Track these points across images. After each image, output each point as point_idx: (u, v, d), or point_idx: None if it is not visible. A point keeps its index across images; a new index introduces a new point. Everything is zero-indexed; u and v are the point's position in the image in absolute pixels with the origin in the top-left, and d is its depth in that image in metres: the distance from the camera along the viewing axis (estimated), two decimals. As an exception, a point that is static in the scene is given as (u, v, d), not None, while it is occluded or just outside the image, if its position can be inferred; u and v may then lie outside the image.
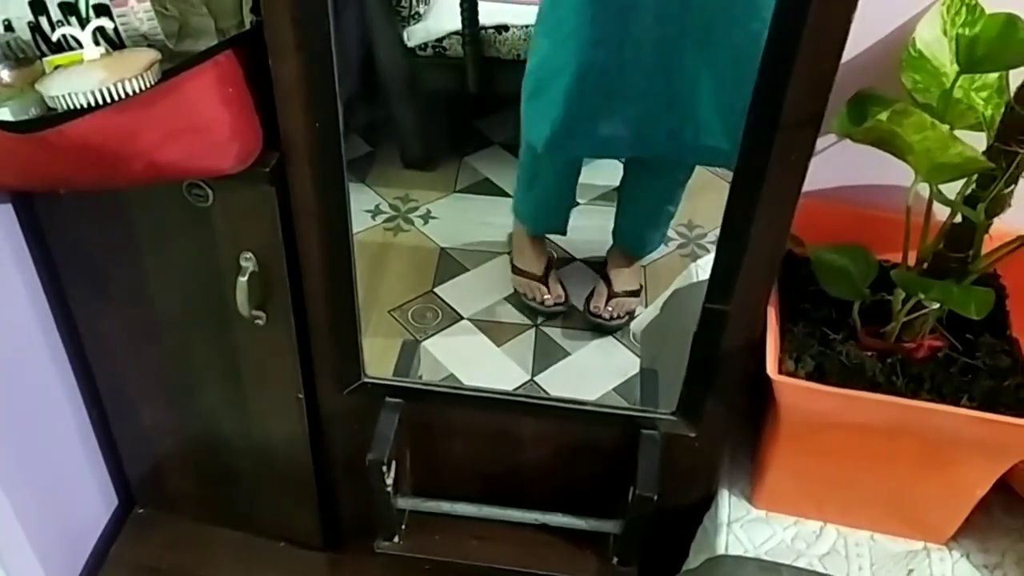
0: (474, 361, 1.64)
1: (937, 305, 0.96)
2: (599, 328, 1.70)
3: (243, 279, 0.99)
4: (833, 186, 1.06)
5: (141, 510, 1.37)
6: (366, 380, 1.10)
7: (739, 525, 1.09)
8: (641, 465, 1.05)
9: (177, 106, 0.82)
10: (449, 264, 1.84)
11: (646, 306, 1.76)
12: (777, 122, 0.78)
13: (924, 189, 0.89)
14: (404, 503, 1.16)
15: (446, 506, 1.17)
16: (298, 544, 1.33)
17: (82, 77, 0.79)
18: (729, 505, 1.11)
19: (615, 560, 1.17)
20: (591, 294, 1.72)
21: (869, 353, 0.99)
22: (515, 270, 1.75)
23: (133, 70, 0.79)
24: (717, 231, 1.90)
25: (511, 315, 1.76)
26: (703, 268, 1.36)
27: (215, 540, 1.34)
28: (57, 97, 0.78)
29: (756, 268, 0.90)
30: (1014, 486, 1.06)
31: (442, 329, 1.71)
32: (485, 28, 1.79)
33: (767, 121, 0.79)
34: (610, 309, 1.69)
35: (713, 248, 1.85)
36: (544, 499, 1.18)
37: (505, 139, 2.05)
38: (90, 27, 0.80)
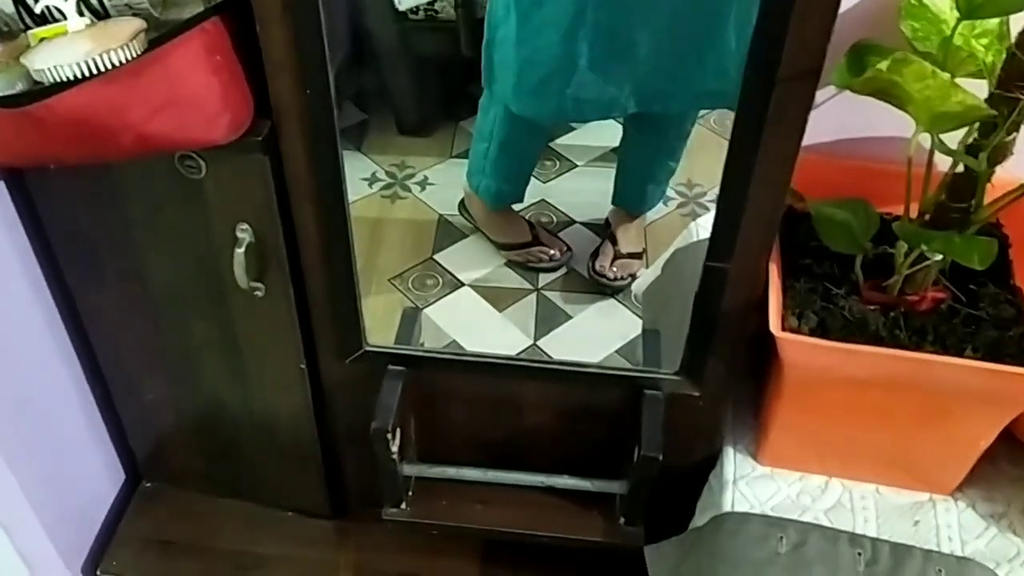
0: (476, 327, 1.64)
1: (940, 257, 0.95)
2: (604, 288, 1.69)
3: (240, 251, 0.98)
4: (832, 139, 1.04)
5: (148, 484, 1.38)
6: (368, 349, 1.10)
7: (744, 482, 1.09)
8: (645, 426, 1.05)
9: (165, 76, 0.80)
10: (448, 230, 1.83)
11: (647, 265, 1.75)
12: (775, 76, 0.77)
13: (925, 140, 0.87)
14: (410, 470, 1.16)
15: (451, 471, 1.17)
16: (305, 513, 1.34)
17: (67, 49, 0.77)
18: (734, 463, 1.11)
19: (622, 520, 1.17)
20: (595, 254, 1.70)
21: (872, 307, 0.98)
22: (501, 247, 1.72)
23: (118, 40, 0.77)
24: (717, 189, 1.90)
25: (511, 280, 1.76)
26: (703, 227, 1.35)
27: (223, 511, 1.35)
28: (42, 70, 0.77)
29: (756, 225, 0.89)
30: (1019, 435, 1.06)
31: (443, 296, 1.70)
32: (477, -11, 1.74)
33: (764, 75, 0.77)
34: (615, 270, 1.68)
35: (713, 207, 1.85)
36: (549, 462, 1.18)
37: (500, 101, 2.02)
38: (72, -3, 0.79)
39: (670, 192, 1.84)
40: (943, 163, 0.90)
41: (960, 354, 0.94)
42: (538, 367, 1.10)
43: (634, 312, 1.68)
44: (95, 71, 0.77)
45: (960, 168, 0.89)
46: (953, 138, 0.87)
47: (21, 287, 1.09)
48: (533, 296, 1.72)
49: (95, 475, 1.32)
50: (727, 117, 1.88)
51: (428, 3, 1.85)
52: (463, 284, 1.73)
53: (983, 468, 1.06)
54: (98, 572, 1.29)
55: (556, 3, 1.33)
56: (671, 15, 1.33)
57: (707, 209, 1.82)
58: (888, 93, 0.84)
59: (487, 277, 1.75)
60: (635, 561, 1.18)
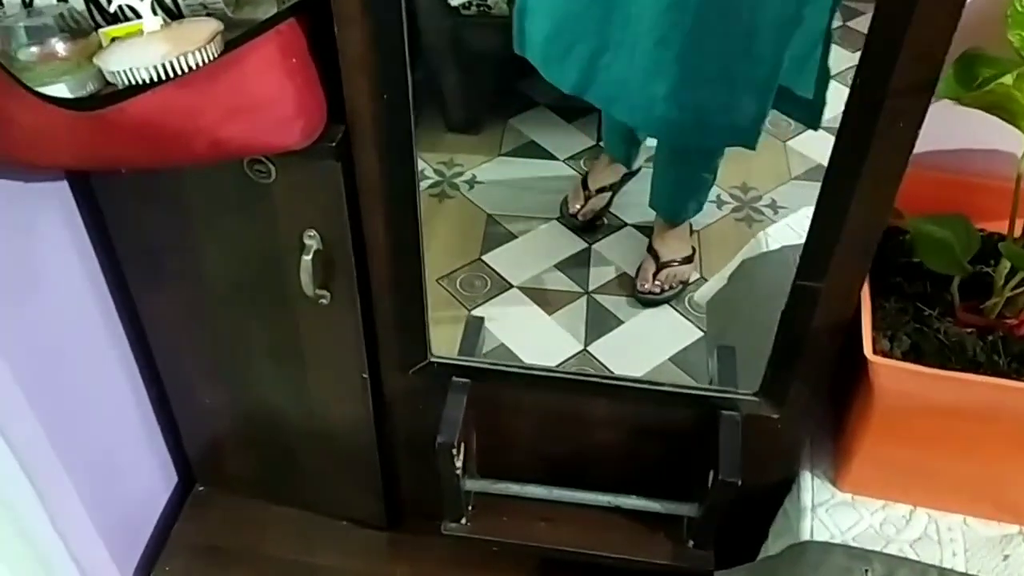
0: (525, 331, 1.60)
1: (1046, 278, 0.90)
2: (652, 304, 1.65)
3: (307, 257, 0.95)
4: (927, 151, 0.99)
5: (201, 488, 1.36)
6: (432, 360, 1.07)
7: (823, 509, 1.04)
8: (723, 449, 1.01)
9: (240, 80, 0.77)
10: (496, 231, 1.80)
11: (700, 272, 1.71)
12: (886, 88, 0.72)
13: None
14: (472, 485, 1.13)
15: (515, 488, 1.13)
16: (360, 523, 1.31)
17: (143, 50, 0.74)
18: (812, 488, 1.06)
19: (690, 543, 1.13)
20: (639, 271, 1.66)
21: (968, 330, 0.93)
22: (581, 179, 1.73)
23: (196, 42, 0.74)
24: (772, 194, 1.84)
25: (561, 283, 1.72)
26: (773, 237, 1.30)
27: (276, 519, 1.32)
28: (117, 72, 0.74)
29: (853, 245, 0.84)
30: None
31: (491, 298, 1.67)
32: (532, -17, 1.72)
33: (875, 88, 0.72)
34: (659, 282, 1.64)
35: (768, 211, 1.79)
36: (613, 480, 1.14)
37: (550, 100, 1.99)
38: (149, -4, 0.76)
39: (724, 196, 1.79)
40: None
41: (1065, 383, 0.88)
42: (608, 383, 1.06)
43: (687, 318, 1.64)
44: (172, 74, 0.74)
45: (1074, 186, 0.83)
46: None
47: (82, 289, 1.07)
48: (584, 300, 1.69)
49: (148, 479, 1.30)
50: (782, 118, 1.84)
51: (481, -1, 1.82)
52: (512, 286, 1.70)
53: (1078, 501, 1.01)
54: (151, 578, 1.27)
55: None
56: (706, 24, 1.26)
57: (762, 214, 1.77)
58: (1001, 107, 0.78)
59: (536, 279, 1.72)
60: (702, 586, 1.14)
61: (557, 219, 1.80)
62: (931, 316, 0.95)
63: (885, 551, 1.00)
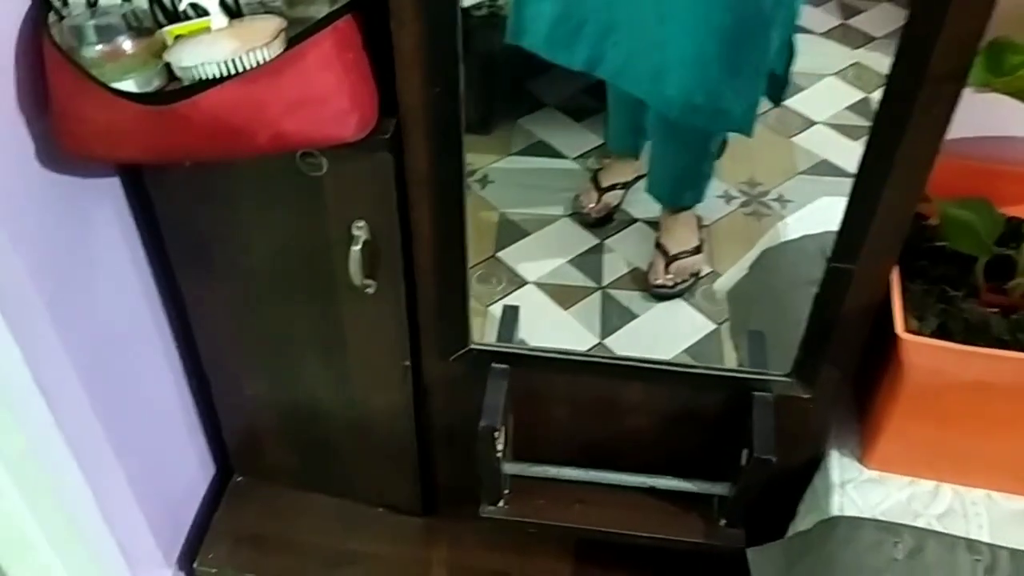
0: (541, 325, 1.63)
1: (1067, 259, 0.94)
2: (666, 298, 1.68)
3: (356, 248, 0.98)
4: (951, 139, 1.03)
5: (240, 478, 1.39)
6: (473, 347, 1.10)
7: (852, 486, 1.08)
8: (757, 428, 1.04)
9: (301, 74, 0.81)
10: (510, 228, 1.82)
11: (712, 265, 1.74)
12: (924, 75, 0.75)
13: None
14: (510, 468, 1.16)
15: (552, 471, 1.16)
16: (397, 510, 1.34)
17: (212, 47, 0.78)
18: (840, 466, 1.10)
19: (723, 522, 1.16)
20: (650, 267, 1.69)
21: (993, 310, 0.97)
22: (592, 176, 1.76)
23: (262, 39, 0.78)
24: (778, 189, 1.87)
25: (575, 278, 1.75)
26: (792, 227, 1.34)
27: (314, 506, 1.36)
28: (190, 68, 0.78)
29: (886, 227, 0.88)
30: None
31: (508, 294, 1.69)
32: (543, -16, 1.75)
33: (913, 75, 0.76)
34: (670, 276, 1.66)
35: (776, 205, 1.82)
36: (648, 462, 1.17)
37: (558, 100, 2.01)
38: (216, -5, 0.79)
39: (732, 192, 1.82)
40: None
41: (1087, 359, 0.92)
42: (644, 367, 1.09)
43: (700, 311, 1.67)
44: (240, 69, 0.77)
45: (1097, 169, 0.87)
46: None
47: (133, 282, 1.10)
48: (598, 295, 1.72)
49: (189, 469, 1.33)
50: (787, 115, 1.87)
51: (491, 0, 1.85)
52: (527, 282, 1.73)
53: (1096, 475, 1.05)
54: (195, 566, 1.30)
55: None
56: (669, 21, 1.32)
57: (770, 208, 1.80)
58: (1030, 93, 0.82)
59: (551, 275, 1.75)
60: (733, 563, 1.17)
61: (569, 216, 1.83)
62: (956, 297, 0.98)
63: (913, 525, 1.03)
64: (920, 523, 1.04)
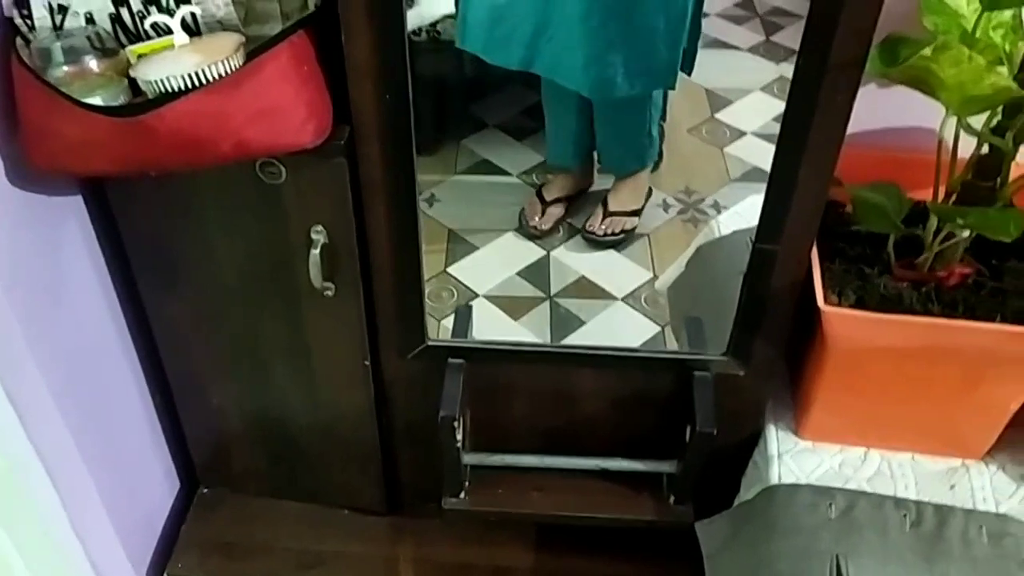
0: (494, 335, 1.69)
1: (966, 234, 1.03)
2: (592, 244, 1.78)
3: (315, 251, 1.04)
4: (859, 131, 1.12)
5: (206, 490, 1.42)
6: (429, 343, 1.16)
7: (789, 456, 1.16)
8: (698, 404, 1.12)
9: (260, 85, 0.87)
10: (459, 244, 1.88)
11: (653, 270, 1.82)
12: (826, 63, 0.84)
13: (952, 124, 0.95)
14: (470, 459, 1.22)
15: (510, 459, 1.23)
16: (362, 510, 1.39)
17: (175, 62, 0.83)
18: (777, 439, 1.18)
19: (671, 499, 1.23)
20: (588, 217, 1.80)
21: (904, 284, 1.06)
22: (537, 193, 1.84)
23: (223, 53, 0.84)
24: (714, 196, 1.97)
25: (524, 289, 1.81)
26: (724, 224, 1.43)
27: (281, 513, 1.39)
28: (154, 81, 0.83)
29: (804, 207, 0.97)
30: (1042, 401, 1.13)
31: (472, 306, 1.76)
32: (479, 10, 1.83)
33: (816, 63, 0.85)
34: (603, 227, 1.77)
35: (712, 212, 1.92)
36: (601, 446, 1.24)
37: (501, 121, 2.09)
38: (178, 15, 0.85)
39: (670, 200, 1.92)
40: (964, 151, 0.98)
41: (991, 322, 1.01)
42: (593, 354, 1.16)
43: (646, 316, 1.75)
44: (203, 81, 0.83)
45: (985, 149, 0.97)
46: (976, 121, 0.95)
47: (98, 298, 1.14)
48: (546, 304, 1.78)
49: (156, 483, 1.36)
50: (719, 127, 1.97)
51: (431, 25, 1.92)
52: (478, 295, 1.79)
53: (1009, 433, 1.14)
54: (165, 575, 1.33)
55: None
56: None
57: (706, 215, 1.90)
58: (922, 80, 0.92)
59: (501, 287, 1.81)
60: (685, 539, 1.24)
61: (515, 230, 1.91)
62: (872, 274, 1.07)
63: (845, 488, 1.12)
64: (851, 486, 1.12)
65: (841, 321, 1.02)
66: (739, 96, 1.97)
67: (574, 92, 1.76)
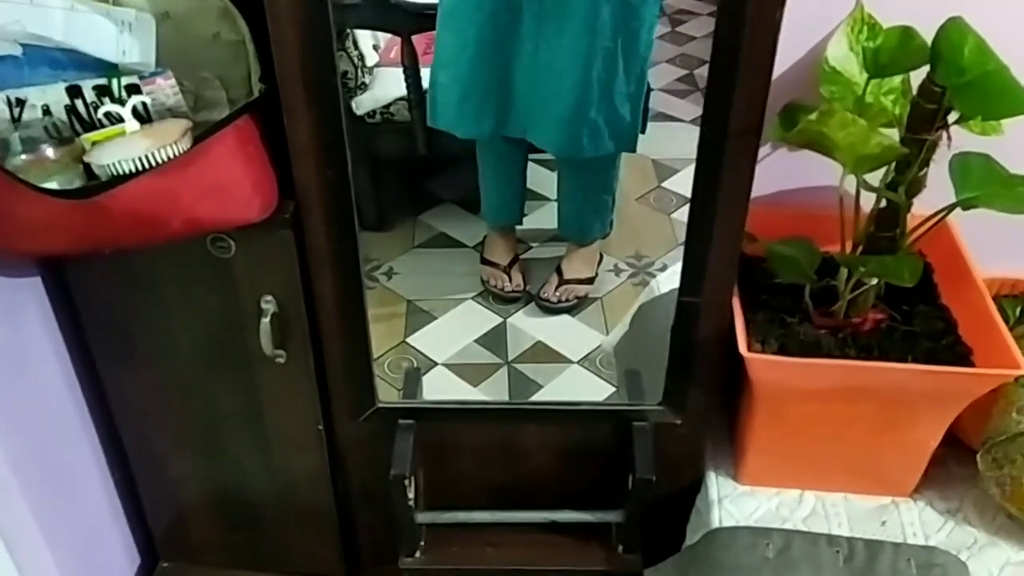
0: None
1: (875, 282, 1.11)
2: (547, 311, 1.86)
3: (265, 320, 1.09)
4: (773, 191, 1.21)
5: (166, 564, 1.44)
6: (380, 406, 1.21)
7: (728, 501, 1.21)
8: (637, 452, 1.17)
9: (208, 166, 0.93)
10: (418, 314, 1.93)
11: (606, 331, 1.89)
12: (725, 133, 0.93)
13: (851, 182, 1.04)
14: (423, 518, 1.26)
15: (463, 516, 1.26)
16: (320, 575, 1.41)
17: (127, 147, 0.90)
18: (717, 485, 1.23)
19: (620, 548, 1.28)
20: (543, 285, 1.88)
21: (823, 331, 1.13)
22: (483, 260, 1.92)
23: (171, 138, 0.90)
24: (663, 259, 2.05)
25: (483, 356, 1.86)
26: (663, 283, 1.51)
27: (240, 583, 1.41)
28: (107, 165, 0.89)
29: (720, 261, 1.04)
30: (962, 438, 1.20)
31: (421, 369, 1.80)
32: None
33: (717, 133, 0.93)
34: (558, 295, 1.86)
35: (660, 275, 2.02)
36: (550, 499, 1.28)
37: (456, 195, 2.17)
38: (129, 104, 0.92)
39: (622, 265, 2.00)
40: (868, 204, 1.07)
41: (902, 363, 1.08)
42: (536, 409, 1.22)
43: (601, 377, 1.80)
44: (153, 164, 0.90)
45: (884, 203, 1.05)
46: (874, 178, 1.04)
47: (54, 371, 1.18)
48: (504, 369, 1.84)
49: (116, 558, 1.38)
50: (665, 195, 2.07)
51: (384, 107, 2.01)
52: (436, 363, 1.84)
53: (935, 471, 1.20)
54: (126, 649, 1.34)
55: (460, 35, 1.58)
56: (552, 65, 1.57)
57: (655, 277, 1.98)
58: (818, 143, 1.00)
59: (460, 355, 1.86)
60: (635, 587, 1.28)
61: (472, 298, 1.97)
62: (793, 323, 1.14)
63: (781, 528, 1.17)
64: (788, 526, 1.18)
65: (763, 367, 1.09)
66: (684, 165, 2.07)
67: (518, 151, 1.87)
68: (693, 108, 2.10)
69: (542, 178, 2.02)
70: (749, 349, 1.10)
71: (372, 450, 1.24)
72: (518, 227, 1.98)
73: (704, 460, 1.25)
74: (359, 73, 1.99)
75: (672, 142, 2.01)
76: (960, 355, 1.10)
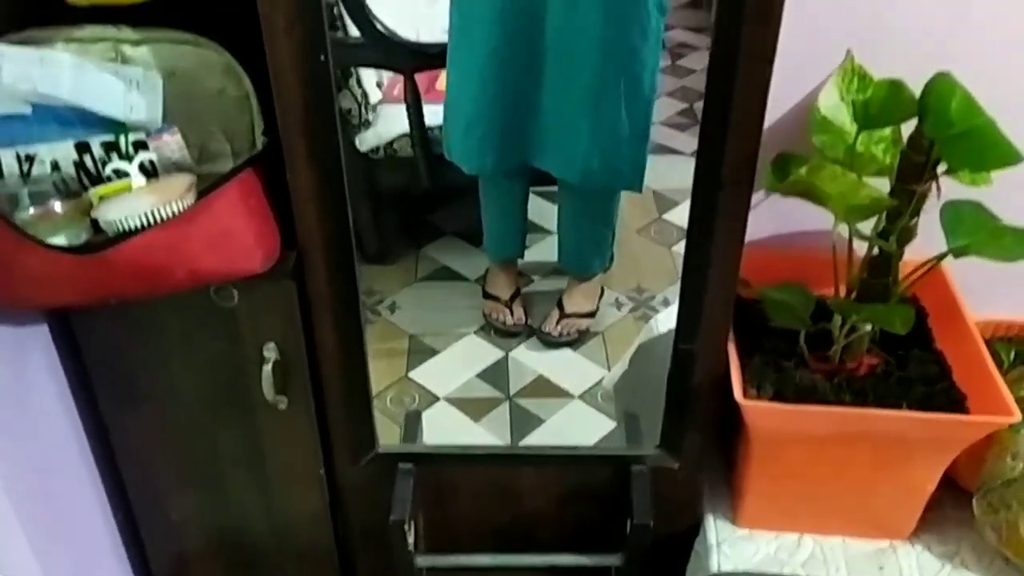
0: (455, 438, 1.74)
1: (869, 327, 1.13)
2: (548, 345, 1.89)
3: (267, 367, 1.11)
4: (769, 235, 1.23)
5: (167, 606, 1.44)
6: (380, 451, 1.22)
7: (727, 545, 1.22)
8: (635, 497, 1.18)
9: (212, 220, 0.95)
10: (420, 349, 1.95)
11: (608, 365, 1.91)
12: (719, 183, 0.95)
13: (844, 229, 1.06)
14: (424, 561, 1.26)
15: (463, 559, 1.27)
16: (323, 620, 1.41)
17: (134, 203, 0.92)
18: (715, 528, 1.24)
19: (620, 592, 1.28)
20: (544, 319, 1.91)
21: (818, 375, 1.14)
22: (484, 294, 1.95)
23: (176, 193, 0.92)
24: (664, 293, 2.07)
25: (484, 390, 1.88)
26: (662, 322, 1.52)
27: (240, 627, 1.41)
28: (114, 221, 0.91)
29: (716, 307, 1.06)
30: (958, 481, 1.21)
31: (421, 411, 1.81)
32: (431, 128, 1.92)
33: (710, 183, 0.95)
34: (559, 329, 1.89)
35: (662, 308, 2.04)
36: (550, 542, 1.29)
37: (458, 228, 2.20)
38: (136, 160, 0.94)
39: (622, 299, 2.02)
40: (862, 247, 1.09)
41: (898, 409, 1.09)
42: (535, 455, 1.23)
43: (601, 412, 1.82)
44: (158, 219, 0.92)
45: (876, 250, 1.07)
46: (866, 226, 1.06)
47: (58, 415, 1.19)
48: (506, 404, 1.85)
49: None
50: (666, 227, 2.09)
51: (387, 143, 2.04)
52: (439, 398, 1.85)
53: (933, 514, 1.21)
54: None
55: (468, 67, 1.63)
56: (567, 85, 1.61)
57: (656, 312, 1.99)
58: (810, 193, 1.02)
59: (461, 389, 1.87)
60: (635, 631, 1.28)
61: (475, 332, 1.99)
62: (789, 367, 1.16)
63: (780, 572, 1.17)
64: (787, 570, 1.18)
65: (759, 413, 1.10)
66: (684, 197, 2.08)
67: (520, 186, 1.90)
68: (693, 141, 2.11)
69: (544, 211, 2.05)
70: (745, 394, 1.11)
71: (372, 493, 1.25)
72: (519, 260, 2.01)
73: (702, 503, 1.26)
74: (363, 111, 2.03)
75: (673, 174, 2.03)
76: (954, 401, 1.11)
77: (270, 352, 1.11)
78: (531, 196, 1.98)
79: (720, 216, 0.98)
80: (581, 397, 1.86)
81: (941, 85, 0.96)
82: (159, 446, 1.24)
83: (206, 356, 1.14)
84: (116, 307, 1.08)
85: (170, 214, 0.92)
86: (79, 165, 0.98)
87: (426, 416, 1.76)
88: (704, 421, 1.17)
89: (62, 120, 0.95)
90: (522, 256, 1.98)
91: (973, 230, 1.03)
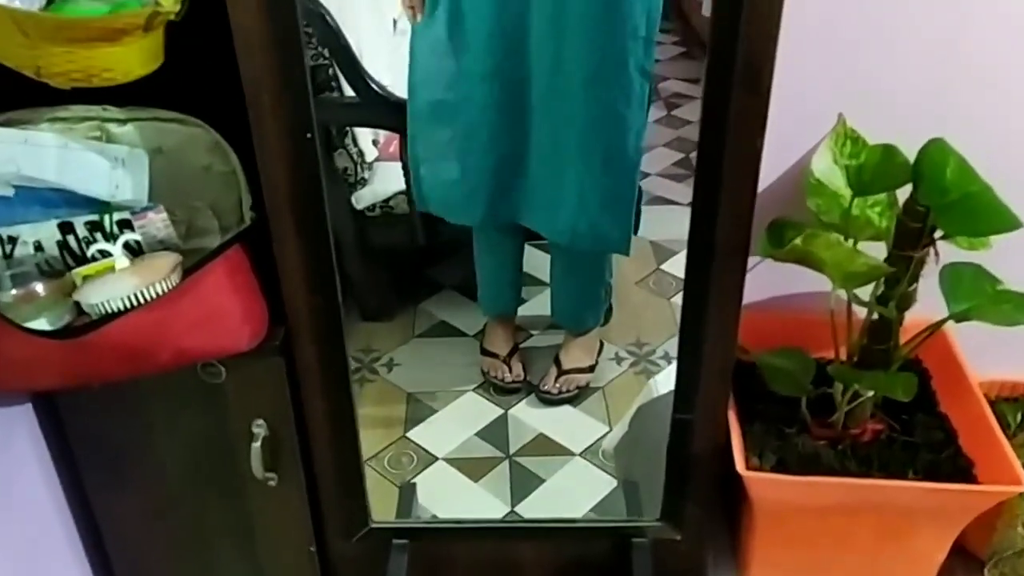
0: (454, 499, 1.71)
1: (872, 393, 1.10)
2: (548, 403, 1.86)
3: (256, 445, 1.08)
4: (766, 298, 1.21)
5: None
6: (373, 526, 1.19)
7: (733, 615, 1.18)
8: (636, 570, 1.15)
9: (197, 299, 0.94)
10: (418, 407, 1.92)
11: (609, 423, 1.87)
12: (712, 252, 0.93)
13: (843, 293, 1.04)
14: (419, 640, 1.23)
15: (460, 637, 1.24)
16: None
17: (116, 284, 0.90)
18: (722, 599, 1.21)
19: (622, 669, 1.24)
20: (543, 376, 1.88)
21: (821, 442, 1.12)
22: (482, 351, 1.92)
23: (160, 274, 0.91)
24: (664, 346, 2.05)
25: (484, 449, 1.84)
26: (661, 383, 1.49)
27: None
28: (96, 305, 0.90)
29: (713, 377, 1.03)
30: (969, 548, 1.18)
31: (419, 472, 1.77)
32: (427, 185, 1.93)
33: (704, 252, 0.94)
34: (558, 386, 1.85)
35: (663, 363, 2.01)
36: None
37: (455, 282, 2.18)
38: (120, 241, 0.93)
39: (623, 353, 1.99)
40: (861, 311, 1.07)
41: (904, 477, 1.07)
42: (531, 527, 1.20)
43: (603, 470, 1.78)
44: (142, 301, 0.90)
45: (875, 315, 1.05)
46: (865, 291, 1.04)
47: (42, 493, 1.16)
48: (506, 463, 1.81)
49: None
50: (664, 278, 2.07)
51: (383, 201, 2.03)
52: (437, 458, 1.82)
53: (946, 583, 1.17)
54: None
55: (449, 126, 1.62)
56: (545, 163, 1.60)
57: (657, 366, 1.97)
58: (806, 260, 1.01)
59: (460, 449, 1.84)
60: None
61: (474, 389, 1.96)
62: (791, 433, 1.13)
63: (789, 644, 1.14)
64: (795, 644, 1.14)
65: (761, 484, 1.07)
66: (682, 247, 2.07)
67: (513, 241, 1.88)
68: (690, 191, 2.12)
69: (541, 263, 2.03)
70: (747, 462, 1.08)
71: (366, 569, 1.21)
72: (518, 312, 1.99)
73: (707, 573, 1.22)
74: (359, 169, 2.02)
75: (671, 225, 2.01)
76: (961, 468, 1.08)
77: (259, 429, 1.09)
78: (527, 248, 1.96)
79: (715, 289, 0.96)
80: (582, 455, 1.83)
81: (935, 152, 0.94)
82: (146, 525, 1.21)
83: (194, 433, 1.12)
84: (101, 386, 1.06)
85: (154, 295, 0.91)
86: (63, 245, 0.97)
87: (424, 477, 1.73)
88: (706, 492, 1.14)
89: (45, 201, 0.94)
90: (515, 312, 1.96)
91: (973, 294, 1.01)
